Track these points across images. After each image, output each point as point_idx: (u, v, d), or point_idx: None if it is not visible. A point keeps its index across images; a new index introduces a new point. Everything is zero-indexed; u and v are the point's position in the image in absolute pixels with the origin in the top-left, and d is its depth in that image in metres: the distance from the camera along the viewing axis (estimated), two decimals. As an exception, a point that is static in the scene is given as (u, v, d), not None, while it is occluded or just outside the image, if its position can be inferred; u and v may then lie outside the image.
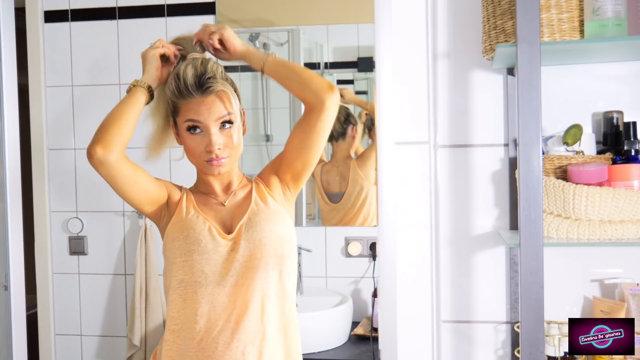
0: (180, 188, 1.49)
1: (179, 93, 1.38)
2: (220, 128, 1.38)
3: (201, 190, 1.48)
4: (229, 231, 1.42)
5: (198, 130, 1.38)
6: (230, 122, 1.39)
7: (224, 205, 1.46)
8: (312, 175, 2.53)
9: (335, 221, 2.49)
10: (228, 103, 1.39)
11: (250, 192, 1.47)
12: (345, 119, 2.51)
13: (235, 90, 1.44)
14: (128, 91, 1.43)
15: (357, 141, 2.52)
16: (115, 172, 1.36)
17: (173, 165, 2.48)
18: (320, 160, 2.53)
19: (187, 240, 1.40)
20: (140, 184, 1.40)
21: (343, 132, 2.51)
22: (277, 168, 1.48)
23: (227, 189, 1.48)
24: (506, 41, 1.23)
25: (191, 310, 1.37)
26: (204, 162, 1.39)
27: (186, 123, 1.38)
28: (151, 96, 1.44)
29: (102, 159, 1.33)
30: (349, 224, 2.48)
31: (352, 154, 2.52)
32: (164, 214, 1.47)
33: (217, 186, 1.47)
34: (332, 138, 2.53)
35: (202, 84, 1.37)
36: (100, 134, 1.35)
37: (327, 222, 2.51)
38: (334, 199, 2.51)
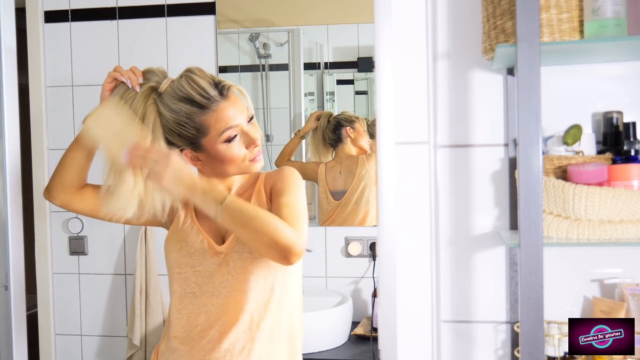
0: None
1: (201, 108, 1.31)
2: (248, 124, 1.37)
3: None
4: (222, 241, 1.41)
5: (235, 136, 1.34)
6: (252, 117, 1.38)
7: None
8: (316, 174, 2.53)
9: (338, 220, 2.49)
10: (244, 99, 1.38)
11: (250, 197, 1.44)
12: (334, 128, 2.51)
13: None
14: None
15: (360, 137, 2.52)
16: (69, 209, 1.44)
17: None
18: (319, 162, 2.54)
19: (180, 253, 1.40)
20: (108, 213, 1.36)
21: (337, 138, 2.52)
22: (271, 196, 1.43)
23: (229, 192, 1.47)
24: (506, 41, 1.23)
25: (187, 320, 1.39)
26: (249, 162, 1.37)
27: (225, 134, 1.33)
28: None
29: (50, 201, 1.45)
30: (348, 221, 2.48)
31: (366, 148, 2.52)
32: (168, 221, 1.48)
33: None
34: (330, 145, 2.54)
35: (221, 90, 1.33)
36: (49, 181, 1.45)
37: (328, 221, 2.51)
38: (336, 197, 2.51)
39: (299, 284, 1.48)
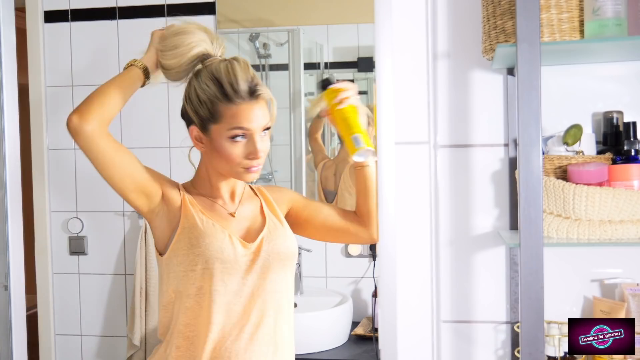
0: (177, 188, 1.43)
1: (225, 97, 1.32)
2: (260, 134, 1.36)
3: (203, 193, 1.44)
4: (250, 240, 1.41)
5: (241, 138, 1.34)
6: (268, 128, 1.38)
7: (234, 216, 1.43)
8: (314, 171, 2.53)
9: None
10: (271, 109, 1.39)
11: (261, 206, 1.48)
12: None
13: None
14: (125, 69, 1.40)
15: None
16: (93, 144, 1.29)
17: (173, 164, 2.48)
18: (324, 157, 2.53)
19: (209, 247, 1.35)
20: (123, 166, 1.32)
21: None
22: (297, 211, 1.52)
23: (232, 195, 1.46)
24: (506, 41, 1.23)
25: (206, 319, 1.35)
26: (242, 169, 1.36)
27: (233, 131, 1.33)
28: (146, 76, 1.39)
29: (77, 127, 1.27)
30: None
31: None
32: (160, 212, 1.40)
33: (225, 191, 1.44)
34: (339, 142, 2.54)
35: (254, 91, 1.34)
36: (81, 104, 1.31)
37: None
38: (329, 198, 2.51)
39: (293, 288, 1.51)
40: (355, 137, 1.39)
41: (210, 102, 1.34)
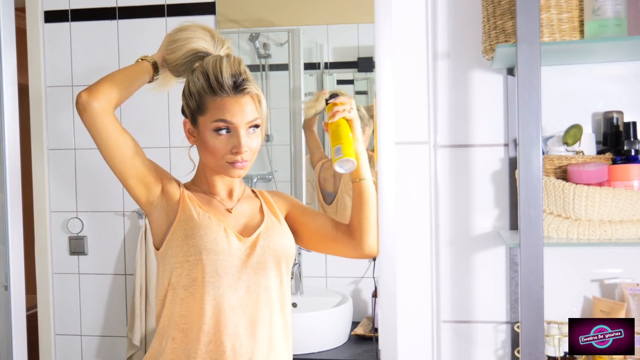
0: (178, 184, 1.45)
1: (211, 90, 1.36)
2: (247, 130, 1.37)
3: (202, 189, 1.46)
4: (246, 235, 1.42)
5: (225, 131, 1.36)
6: (257, 126, 1.39)
7: (230, 212, 1.44)
8: (312, 169, 2.53)
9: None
10: (259, 106, 1.39)
11: (261, 205, 1.49)
12: None
13: None
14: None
15: (365, 142, 2.51)
16: (98, 122, 1.31)
17: (173, 164, 2.48)
18: (322, 156, 2.53)
19: (204, 238, 1.36)
20: (126, 149, 1.34)
21: None
22: (294, 215, 1.52)
23: (231, 193, 1.47)
24: (506, 41, 1.23)
25: (199, 311, 1.35)
26: (226, 163, 1.38)
27: (215, 123, 1.36)
28: (155, 71, 1.44)
29: (86, 103, 1.30)
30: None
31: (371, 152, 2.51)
32: (158, 205, 1.41)
33: (222, 189, 1.46)
34: None
35: (238, 85, 1.36)
36: (91, 85, 1.34)
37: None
38: (327, 199, 2.50)
39: (289, 288, 1.52)
40: (337, 148, 1.41)
41: (198, 95, 1.38)
